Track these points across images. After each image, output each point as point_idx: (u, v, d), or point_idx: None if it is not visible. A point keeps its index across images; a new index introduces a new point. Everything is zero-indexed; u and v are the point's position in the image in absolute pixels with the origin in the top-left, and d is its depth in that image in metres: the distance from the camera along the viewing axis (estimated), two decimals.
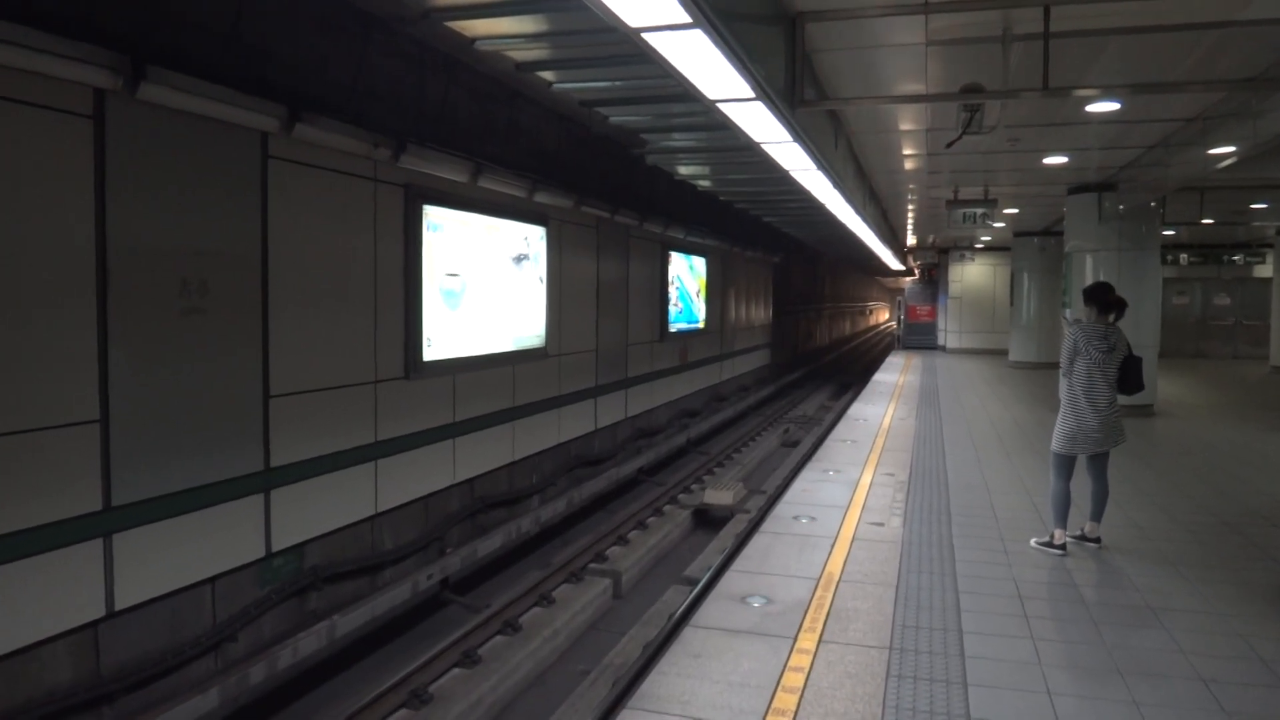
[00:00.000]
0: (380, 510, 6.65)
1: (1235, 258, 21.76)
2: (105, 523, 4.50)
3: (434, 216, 7.15)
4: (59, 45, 3.98)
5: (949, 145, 7.28)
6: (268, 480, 5.54)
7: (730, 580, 4.94)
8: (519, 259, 8.58)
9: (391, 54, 6.43)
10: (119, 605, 4.59)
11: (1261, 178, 11.23)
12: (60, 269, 4.23)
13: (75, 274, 4.30)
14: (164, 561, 4.84)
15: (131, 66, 4.31)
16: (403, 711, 5.22)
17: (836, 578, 4.97)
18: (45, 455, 4.19)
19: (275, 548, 5.62)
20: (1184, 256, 21.82)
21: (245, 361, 5.35)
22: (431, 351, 7.13)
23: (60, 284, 4.24)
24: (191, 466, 4.99)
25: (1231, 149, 7.57)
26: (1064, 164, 10.47)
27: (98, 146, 4.38)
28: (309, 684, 5.72)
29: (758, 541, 5.73)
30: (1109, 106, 7.44)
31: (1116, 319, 5.44)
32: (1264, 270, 21.26)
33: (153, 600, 4.79)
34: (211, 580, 5.17)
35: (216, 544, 5.18)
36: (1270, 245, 19.67)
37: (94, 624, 4.47)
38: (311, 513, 5.94)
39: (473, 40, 6.33)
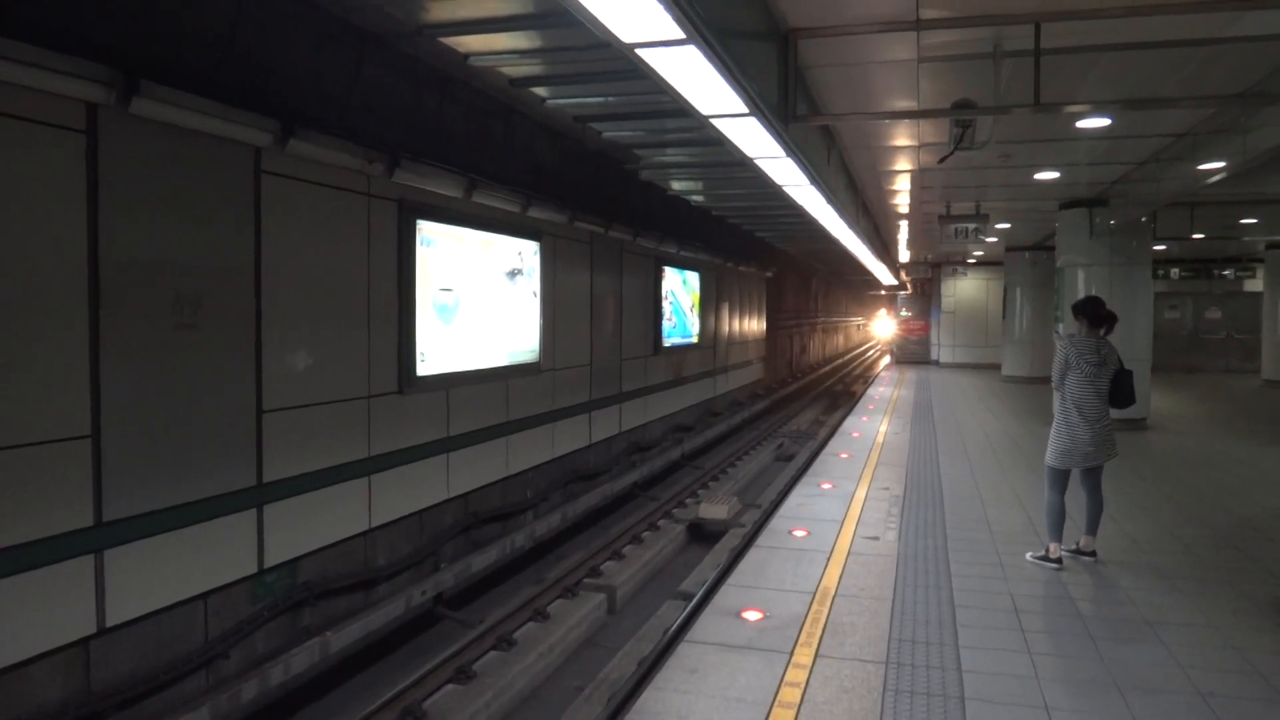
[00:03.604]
0: (374, 525, 6.61)
1: (1226, 272, 21.92)
2: (96, 539, 4.46)
3: (427, 231, 7.15)
4: (51, 59, 3.98)
5: (941, 160, 7.33)
6: (260, 496, 5.51)
7: (726, 595, 4.93)
8: (513, 274, 8.58)
9: (386, 69, 6.45)
10: (110, 622, 4.55)
11: (1251, 193, 11.34)
12: (52, 284, 4.22)
13: (67, 289, 4.29)
14: (156, 577, 4.80)
15: (124, 80, 4.31)
16: None
17: (832, 592, 4.95)
18: (36, 471, 4.16)
19: (268, 563, 5.58)
20: (1175, 271, 21.98)
21: (238, 377, 5.33)
22: (425, 366, 7.12)
23: (52, 299, 4.22)
24: (184, 482, 4.96)
25: (1221, 164, 7.64)
26: (1055, 179, 10.54)
27: (90, 161, 4.37)
28: (301, 701, 5.66)
29: (753, 556, 5.72)
30: (1100, 122, 7.51)
31: (1107, 333, 5.46)
32: (1254, 284, 21.42)
33: (144, 617, 4.74)
34: (204, 596, 5.13)
35: (209, 560, 5.14)
36: (1260, 260, 19.81)
37: (85, 641, 4.43)
38: (304, 528, 5.90)
39: (466, 56, 6.36)
